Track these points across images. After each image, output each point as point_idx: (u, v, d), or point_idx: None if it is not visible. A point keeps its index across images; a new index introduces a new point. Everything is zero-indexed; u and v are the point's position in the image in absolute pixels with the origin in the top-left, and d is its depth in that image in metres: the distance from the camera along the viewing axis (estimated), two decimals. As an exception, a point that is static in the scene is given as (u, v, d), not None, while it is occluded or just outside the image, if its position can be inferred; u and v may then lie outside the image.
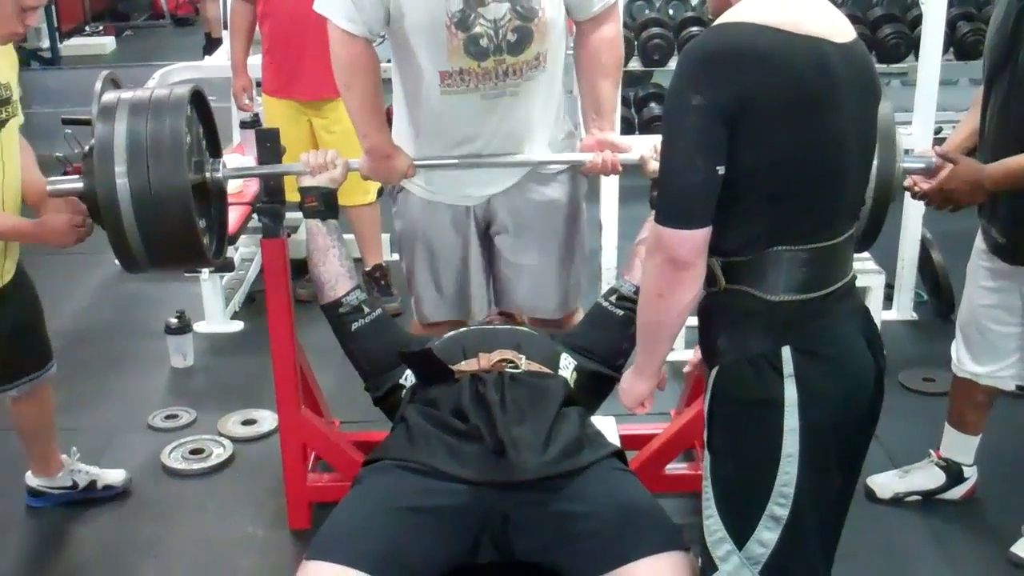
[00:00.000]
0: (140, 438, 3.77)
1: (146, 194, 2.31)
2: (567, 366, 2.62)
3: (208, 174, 2.60)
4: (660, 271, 1.81)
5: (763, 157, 1.75)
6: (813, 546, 1.91)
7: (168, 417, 3.89)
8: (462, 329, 2.77)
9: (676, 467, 3.23)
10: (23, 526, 3.27)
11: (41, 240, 2.77)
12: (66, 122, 5.11)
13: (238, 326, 4.70)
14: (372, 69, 2.62)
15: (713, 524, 1.91)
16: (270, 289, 2.89)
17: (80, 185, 2.43)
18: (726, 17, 1.78)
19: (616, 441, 2.99)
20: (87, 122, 4.64)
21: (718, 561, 1.90)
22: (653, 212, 2.44)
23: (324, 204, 2.68)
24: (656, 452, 3.10)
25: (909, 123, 4.14)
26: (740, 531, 1.87)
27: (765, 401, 1.81)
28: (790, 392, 1.79)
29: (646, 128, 5.79)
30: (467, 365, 2.49)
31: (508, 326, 2.79)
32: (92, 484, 3.33)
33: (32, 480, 3.30)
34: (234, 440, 3.70)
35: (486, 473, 2.17)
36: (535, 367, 2.51)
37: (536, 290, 2.97)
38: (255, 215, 4.14)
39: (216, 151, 2.70)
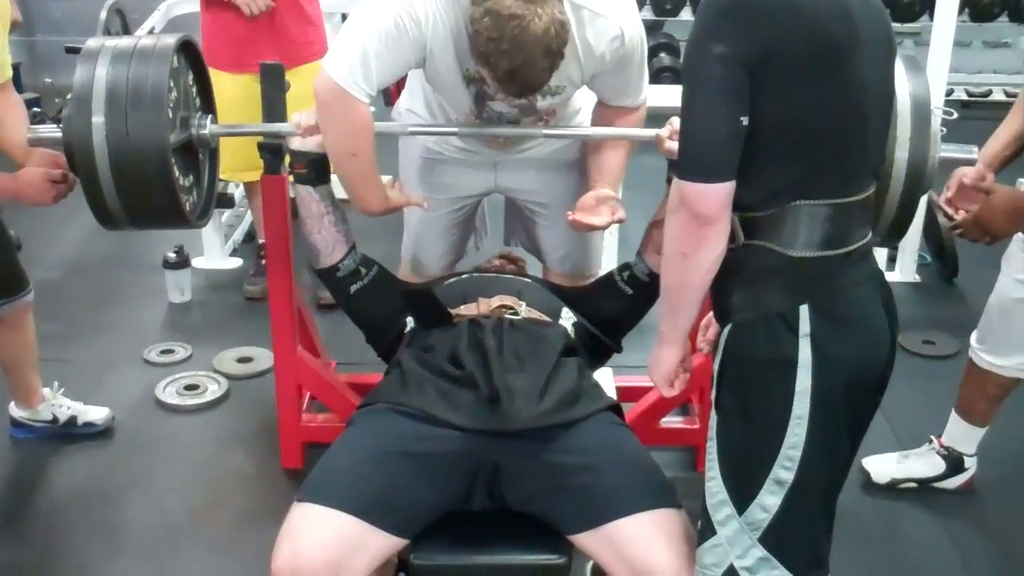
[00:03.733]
0: (135, 372, 3.76)
1: (123, 145, 2.24)
2: (568, 318, 2.59)
3: (195, 131, 2.51)
4: (683, 228, 1.76)
5: (786, 108, 1.70)
6: (816, 512, 1.88)
7: (164, 352, 3.88)
8: (463, 275, 2.75)
9: (671, 421, 3.22)
10: (7, 456, 3.26)
11: (16, 195, 2.66)
12: (69, 51, 5.07)
13: (237, 263, 4.69)
14: (372, 130, 2.48)
15: (715, 486, 1.87)
16: (269, 226, 2.86)
17: (59, 134, 2.36)
18: None
19: (612, 393, 2.98)
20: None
21: (717, 525, 1.87)
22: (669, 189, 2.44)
23: (315, 171, 2.54)
24: (652, 405, 3.09)
25: (921, 83, 4.08)
26: (743, 494, 1.83)
27: (778, 361, 1.77)
28: (804, 352, 1.74)
29: (655, 78, 5.72)
30: (466, 309, 2.47)
31: (509, 275, 2.76)
32: (73, 420, 3.32)
33: (15, 411, 3.30)
34: (229, 377, 3.70)
35: (479, 421, 2.15)
36: (535, 315, 2.49)
37: (567, 247, 3.00)
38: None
39: (209, 107, 2.63)
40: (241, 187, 4.82)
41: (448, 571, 2.16)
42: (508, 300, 2.50)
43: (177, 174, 2.37)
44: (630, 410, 3.06)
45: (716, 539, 1.86)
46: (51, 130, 2.44)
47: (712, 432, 1.89)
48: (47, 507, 3.05)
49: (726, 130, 1.69)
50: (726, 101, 1.68)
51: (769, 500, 1.80)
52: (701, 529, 1.92)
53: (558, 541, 2.12)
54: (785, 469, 1.78)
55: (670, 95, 3.94)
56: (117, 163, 2.25)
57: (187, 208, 2.43)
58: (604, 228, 2.60)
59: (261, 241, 4.31)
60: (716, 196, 1.71)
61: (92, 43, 2.35)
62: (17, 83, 3.08)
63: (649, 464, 2.20)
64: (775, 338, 1.76)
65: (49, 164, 2.60)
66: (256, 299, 4.21)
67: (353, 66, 2.32)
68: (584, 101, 2.77)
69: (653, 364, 2.01)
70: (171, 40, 2.37)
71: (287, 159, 2.63)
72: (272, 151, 2.71)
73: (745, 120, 1.68)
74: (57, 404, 3.31)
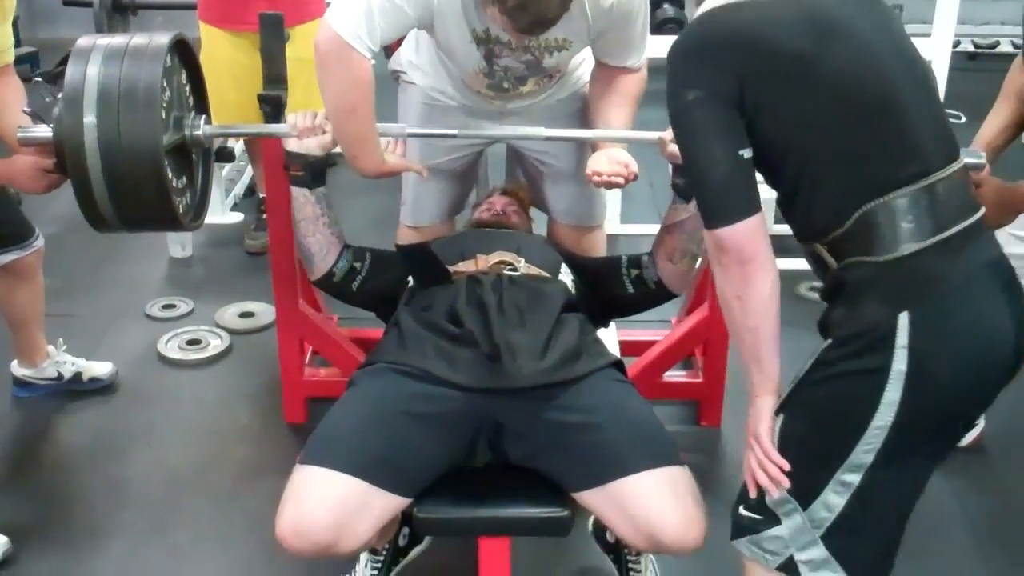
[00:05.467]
0: (137, 326, 3.76)
1: (115, 146, 2.19)
2: (567, 273, 2.57)
3: (188, 131, 2.46)
4: (727, 274, 1.73)
5: (792, 122, 1.68)
6: (881, 522, 1.78)
7: (165, 307, 3.88)
8: (460, 231, 2.73)
9: (674, 375, 3.22)
10: (11, 412, 3.27)
11: (8, 181, 2.62)
12: (67, 3, 5.03)
13: (237, 217, 4.69)
14: (372, 87, 2.40)
15: None
16: (269, 180, 2.84)
17: (50, 134, 2.32)
18: (703, 7, 1.77)
19: (615, 348, 2.97)
20: (88, 3, 4.57)
21: (781, 515, 1.80)
22: (675, 195, 2.43)
23: (311, 173, 2.48)
24: (655, 359, 3.09)
25: (928, 35, 4.05)
26: (806, 491, 1.76)
27: (870, 371, 1.66)
28: (899, 364, 1.63)
29: (659, 30, 5.67)
30: (464, 266, 2.44)
31: (509, 228, 2.74)
32: (78, 376, 3.32)
33: (18, 370, 3.29)
34: (231, 332, 3.70)
35: (480, 379, 2.14)
36: (534, 271, 2.46)
37: (572, 198, 2.97)
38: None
39: (203, 107, 2.59)
40: (241, 142, 4.80)
41: (451, 524, 2.16)
42: (507, 256, 2.47)
43: (170, 176, 2.32)
44: (633, 364, 3.05)
45: (778, 530, 1.80)
46: (42, 129, 2.40)
47: (775, 432, 1.80)
48: (51, 461, 3.06)
49: (729, 169, 1.68)
50: (718, 141, 1.68)
51: (833, 499, 1.73)
52: (763, 519, 1.83)
53: (562, 494, 2.12)
54: (852, 472, 1.71)
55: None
56: (109, 164, 2.21)
57: (180, 211, 2.38)
58: (624, 186, 2.57)
59: (262, 195, 4.29)
60: (747, 232, 1.69)
61: (84, 41, 2.30)
62: (15, 37, 3.02)
63: (652, 422, 2.19)
64: (871, 349, 1.66)
65: (42, 153, 2.54)
66: (257, 253, 4.21)
67: (357, 19, 2.27)
68: (584, 56, 2.74)
69: (752, 425, 1.84)
70: (164, 39, 2.32)
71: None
72: (272, 103, 2.68)
73: (747, 153, 1.68)
74: (61, 361, 3.30)
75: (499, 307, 2.25)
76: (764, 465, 1.80)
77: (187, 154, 2.50)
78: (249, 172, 4.88)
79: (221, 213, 4.62)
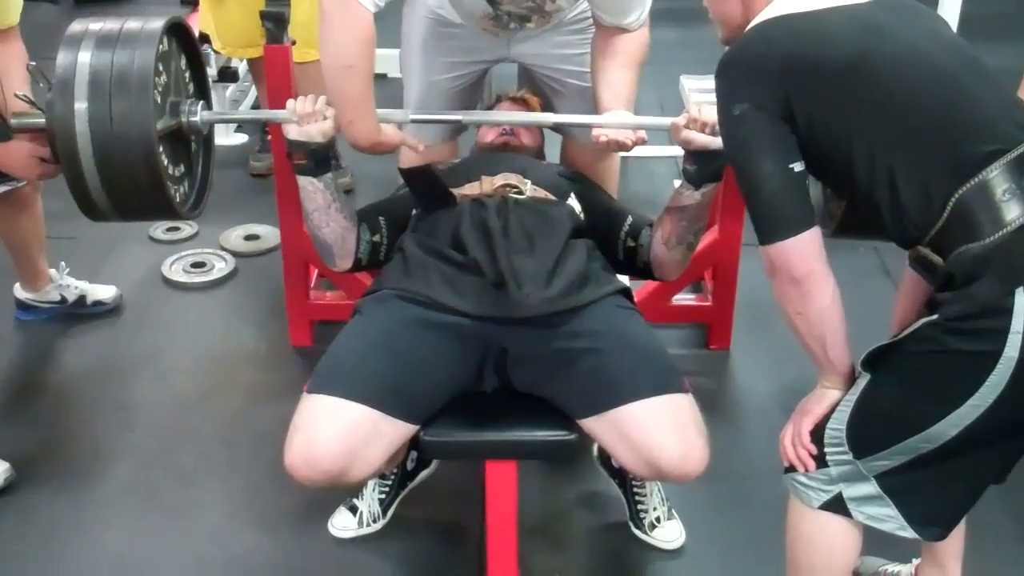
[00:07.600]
0: (141, 249, 3.74)
1: (107, 131, 2.13)
2: (575, 200, 2.51)
3: (185, 117, 2.37)
4: (785, 291, 1.72)
5: (849, 126, 1.65)
6: (944, 481, 1.74)
7: (169, 229, 3.84)
8: (464, 158, 2.68)
9: (683, 298, 3.20)
10: (16, 335, 3.25)
11: (2, 167, 2.55)
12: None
13: (241, 139, 4.64)
14: (373, 45, 2.30)
15: (836, 436, 1.77)
16: (273, 100, 2.79)
17: (43, 121, 2.26)
18: (758, 18, 1.75)
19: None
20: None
21: (831, 462, 1.78)
22: (683, 181, 2.35)
23: (315, 160, 2.35)
24: (664, 283, 3.05)
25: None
26: (867, 450, 1.73)
27: (980, 353, 1.58)
28: (1012, 350, 1.55)
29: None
30: (469, 188, 2.39)
31: (514, 153, 2.68)
32: (81, 299, 3.30)
33: (20, 292, 3.27)
34: (236, 255, 3.68)
35: (485, 307, 2.11)
36: (541, 193, 2.41)
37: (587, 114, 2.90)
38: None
39: (203, 92, 2.50)
40: (244, 61, 4.73)
41: (458, 447, 2.15)
42: (513, 178, 2.42)
43: (166, 163, 2.27)
44: (641, 288, 3.03)
45: (826, 471, 1.78)
46: (35, 115, 2.34)
47: (855, 390, 1.76)
48: (57, 385, 3.05)
49: (779, 182, 1.66)
50: (767, 155, 1.67)
51: (898, 457, 1.70)
52: (815, 455, 1.81)
53: (569, 418, 2.11)
54: (927, 442, 1.66)
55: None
56: (100, 151, 2.15)
57: (177, 199, 2.31)
58: (630, 149, 2.51)
59: None
60: (801, 247, 1.67)
61: (76, 26, 2.23)
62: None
63: (656, 349, 2.16)
64: (984, 333, 1.58)
65: (38, 141, 2.46)
66: (262, 175, 4.17)
67: None
68: None
69: (810, 405, 1.84)
70: (159, 23, 2.25)
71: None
72: (275, 19, 2.63)
73: (797, 166, 1.66)
74: (64, 284, 3.28)
75: (504, 231, 2.20)
76: (796, 445, 1.82)
77: (185, 141, 2.42)
78: (253, 93, 4.81)
79: (225, 135, 4.56)
